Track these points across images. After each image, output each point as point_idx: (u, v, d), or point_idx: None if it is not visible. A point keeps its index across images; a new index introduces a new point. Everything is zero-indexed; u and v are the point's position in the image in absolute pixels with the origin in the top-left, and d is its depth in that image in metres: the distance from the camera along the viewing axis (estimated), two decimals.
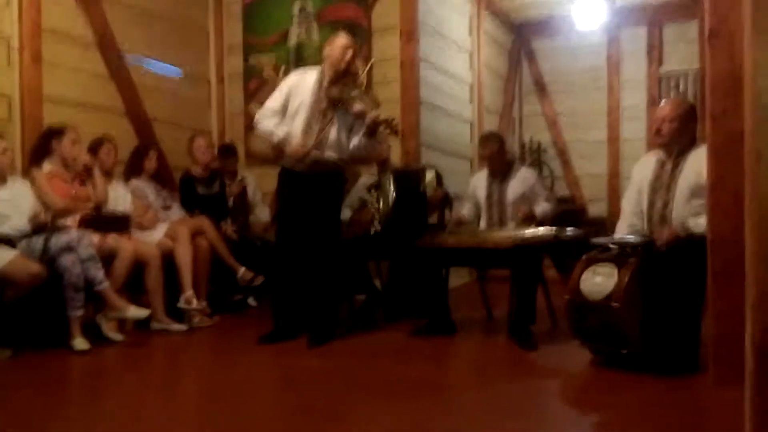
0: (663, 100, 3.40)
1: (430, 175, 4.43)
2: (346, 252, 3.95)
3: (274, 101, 3.71)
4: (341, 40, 3.67)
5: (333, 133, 3.64)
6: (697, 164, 3.01)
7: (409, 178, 4.46)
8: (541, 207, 4.24)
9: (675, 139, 3.19)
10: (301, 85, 3.68)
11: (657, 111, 3.36)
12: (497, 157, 4.32)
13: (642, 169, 3.39)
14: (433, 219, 4.50)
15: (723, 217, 2.66)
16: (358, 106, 3.58)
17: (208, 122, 5.68)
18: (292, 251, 3.69)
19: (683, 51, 7.00)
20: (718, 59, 2.68)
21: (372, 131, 3.61)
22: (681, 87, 7.06)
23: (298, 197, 3.68)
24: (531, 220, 4.13)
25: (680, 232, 3.05)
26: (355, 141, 3.68)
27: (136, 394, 2.91)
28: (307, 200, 3.65)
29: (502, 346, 3.59)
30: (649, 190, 3.26)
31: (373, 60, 3.86)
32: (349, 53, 3.63)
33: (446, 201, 4.56)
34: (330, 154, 3.66)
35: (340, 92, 3.60)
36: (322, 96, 3.63)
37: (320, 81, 3.66)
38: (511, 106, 7.60)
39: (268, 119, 3.69)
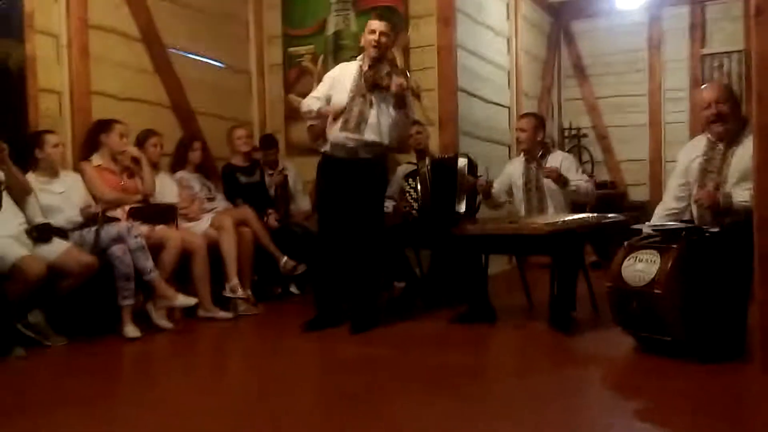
0: (703, 85, 3.33)
1: (462, 163, 4.41)
2: (386, 240, 3.98)
3: (317, 91, 3.88)
4: (372, 23, 3.75)
5: (373, 116, 3.69)
6: (752, 146, 2.95)
7: (446, 166, 4.46)
8: (577, 178, 4.13)
9: (732, 121, 3.15)
10: (344, 75, 3.79)
11: (704, 95, 3.29)
12: (533, 134, 4.27)
13: (690, 152, 3.33)
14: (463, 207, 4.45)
15: None
16: (388, 82, 3.64)
17: (250, 113, 5.74)
18: (334, 239, 3.74)
19: (727, 30, 6.79)
20: (765, 38, 2.62)
21: (400, 100, 3.66)
22: (725, 68, 6.85)
23: (339, 185, 3.74)
24: (563, 183, 4.06)
25: (721, 199, 3.02)
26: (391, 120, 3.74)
27: (184, 379, 3.02)
28: (349, 188, 3.71)
29: (542, 332, 3.59)
30: (700, 173, 3.22)
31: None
32: (376, 35, 3.68)
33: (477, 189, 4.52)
34: (370, 136, 3.70)
35: (373, 74, 3.67)
36: (361, 81, 3.70)
37: (360, 67, 3.74)
38: (549, 90, 7.50)
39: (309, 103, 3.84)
